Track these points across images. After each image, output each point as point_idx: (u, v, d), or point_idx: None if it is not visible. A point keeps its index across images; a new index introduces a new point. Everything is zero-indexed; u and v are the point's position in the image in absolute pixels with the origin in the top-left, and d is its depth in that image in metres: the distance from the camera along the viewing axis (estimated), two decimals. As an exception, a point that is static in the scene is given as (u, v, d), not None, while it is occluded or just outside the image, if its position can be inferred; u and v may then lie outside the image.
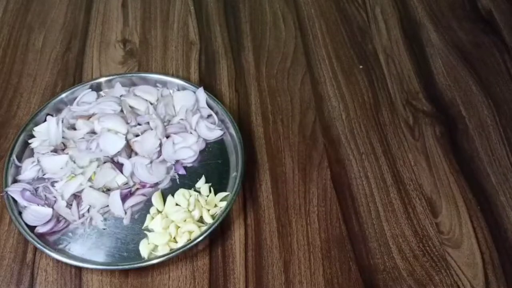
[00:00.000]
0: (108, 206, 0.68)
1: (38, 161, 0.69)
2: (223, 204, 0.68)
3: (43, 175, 0.69)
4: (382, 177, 0.72)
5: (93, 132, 0.73)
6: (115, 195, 0.67)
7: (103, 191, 0.68)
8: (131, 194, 0.69)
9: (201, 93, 0.77)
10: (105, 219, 0.67)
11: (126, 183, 0.69)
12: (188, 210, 0.67)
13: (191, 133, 0.74)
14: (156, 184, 0.70)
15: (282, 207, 0.70)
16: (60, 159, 0.69)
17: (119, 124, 0.73)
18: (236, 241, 0.66)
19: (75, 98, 0.78)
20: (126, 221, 0.67)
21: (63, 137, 0.72)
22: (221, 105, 0.76)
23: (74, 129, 0.74)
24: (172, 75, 0.83)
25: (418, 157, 0.75)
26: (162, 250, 0.64)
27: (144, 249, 0.64)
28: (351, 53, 0.88)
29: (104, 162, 0.69)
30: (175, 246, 0.65)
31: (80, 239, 0.66)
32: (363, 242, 0.67)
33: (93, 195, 0.67)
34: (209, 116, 0.77)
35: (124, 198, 0.68)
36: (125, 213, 0.67)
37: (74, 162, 0.69)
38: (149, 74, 0.81)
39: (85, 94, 0.78)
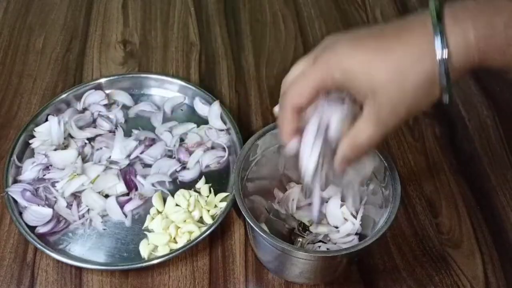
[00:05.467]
0: (106, 209, 0.68)
1: (46, 155, 0.69)
2: (223, 204, 0.68)
3: (43, 175, 0.69)
4: (382, 177, 0.73)
5: (98, 135, 0.75)
6: (112, 201, 0.67)
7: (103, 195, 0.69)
8: (130, 198, 0.69)
9: (216, 107, 0.76)
10: (105, 221, 0.67)
11: (126, 193, 0.69)
12: (188, 211, 0.67)
13: None
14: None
15: (282, 207, 0.69)
16: (70, 154, 0.70)
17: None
18: (236, 241, 0.66)
19: (75, 99, 0.78)
20: (127, 223, 0.67)
21: (69, 136, 0.73)
22: (221, 105, 0.76)
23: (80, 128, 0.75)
24: (172, 76, 0.83)
25: (418, 158, 0.75)
26: (162, 250, 0.64)
27: (144, 249, 0.65)
28: (351, 53, 0.88)
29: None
30: (175, 246, 0.65)
31: (80, 239, 0.66)
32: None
33: (92, 197, 0.67)
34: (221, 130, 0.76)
35: (123, 202, 0.68)
36: (126, 216, 0.67)
37: (83, 160, 0.70)
38: (149, 74, 0.82)
39: (90, 94, 0.78)
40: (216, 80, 0.84)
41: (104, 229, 0.67)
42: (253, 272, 0.64)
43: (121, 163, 0.71)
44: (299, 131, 0.48)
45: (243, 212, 0.55)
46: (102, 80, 0.80)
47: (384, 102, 0.42)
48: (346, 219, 0.63)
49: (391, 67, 0.41)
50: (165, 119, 0.78)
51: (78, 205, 0.67)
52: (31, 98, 0.81)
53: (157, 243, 0.65)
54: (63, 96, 0.77)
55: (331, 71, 0.43)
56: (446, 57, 0.39)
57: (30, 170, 0.70)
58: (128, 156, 0.72)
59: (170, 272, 0.64)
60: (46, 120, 0.75)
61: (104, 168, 0.70)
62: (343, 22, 0.93)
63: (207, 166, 0.72)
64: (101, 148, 0.73)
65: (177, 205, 0.68)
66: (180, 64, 0.86)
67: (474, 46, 0.39)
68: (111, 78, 0.80)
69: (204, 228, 0.65)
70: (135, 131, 0.76)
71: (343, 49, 0.44)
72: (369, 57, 0.42)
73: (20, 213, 0.66)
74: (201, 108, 0.78)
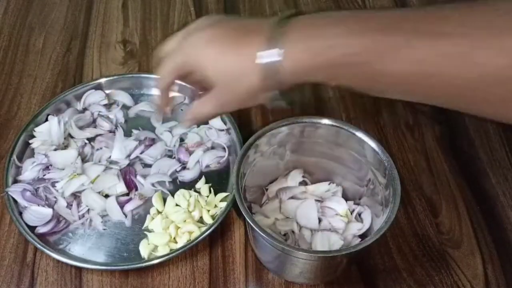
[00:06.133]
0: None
1: (46, 155, 0.69)
2: (223, 204, 0.67)
3: (43, 175, 0.69)
4: (382, 177, 0.73)
5: (98, 135, 0.74)
6: (112, 201, 0.67)
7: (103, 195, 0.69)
8: (130, 198, 0.69)
9: None
10: (105, 221, 0.67)
11: (126, 193, 0.69)
12: (188, 211, 0.67)
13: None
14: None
15: (282, 207, 0.69)
16: (70, 154, 0.70)
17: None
18: (236, 241, 0.66)
19: (75, 99, 0.78)
20: (128, 223, 0.67)
21: (69, 136, 0.73)
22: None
23: (80, 128, 0.75)
24: (172, 76, 0.83)
25: (418, 158, 0.75)
26: (162, 250, 0.64)
27: (144, 249, 0.65)
28: (351, 53, 0.88)
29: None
30: (175, 246, 0.65)
31: (80, 239, 0.66)
32: (363, 242, 0.67)
33: (92, 197, 0.67)
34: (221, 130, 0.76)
35: (123, 202, 0.68)
36: (126, 216, 0.67)
37: (83, 160, 0.70)
38: (149, 74, 0.82)
39: (90, 94, 0.78)
40: (216, 80, 0.84)
41: (104, 229, 0.67)
42: (253, 272, 0.64)
43: (121, 163, 0.71)
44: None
45: (243, 212, 0.55)
46: (102, 80, 0.80)
47: (223, 94, 0.51)
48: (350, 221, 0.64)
49: (231, 69, 0.48)
50: (165, 119, 0.78)
51: (78, 205, 0.67)
52: (31, 98, 0.81)
53: (157, 243, 0.65)
54: (63, 96, 0.77)
55: (188, 58, 0.52)
56: (274, 70, 0.45)
57: (30, 170, 0.70)
58: (128, 156, 0.72)
59: (170, 272, 0.64)
60: (46, 120, 0.75)
61: (104, 168, 0.70)
62: (343, 22, 0.93)
63: (207, 166, 0.72)
64: (101, 148, 0.73)
65: (177, 205, 0.68)
66: (180, 64, 0.86)
67: (305, 61, 0.44)
68: (111, 78, 0.80)
69: (204, 228, 0.65)
70: (135, 131, 0.76)
71: (201, 41, 0.50)
72: (218, 54, 0.49)
73: (20, 213, 0.66)
74: (201, 108, 0.78)
